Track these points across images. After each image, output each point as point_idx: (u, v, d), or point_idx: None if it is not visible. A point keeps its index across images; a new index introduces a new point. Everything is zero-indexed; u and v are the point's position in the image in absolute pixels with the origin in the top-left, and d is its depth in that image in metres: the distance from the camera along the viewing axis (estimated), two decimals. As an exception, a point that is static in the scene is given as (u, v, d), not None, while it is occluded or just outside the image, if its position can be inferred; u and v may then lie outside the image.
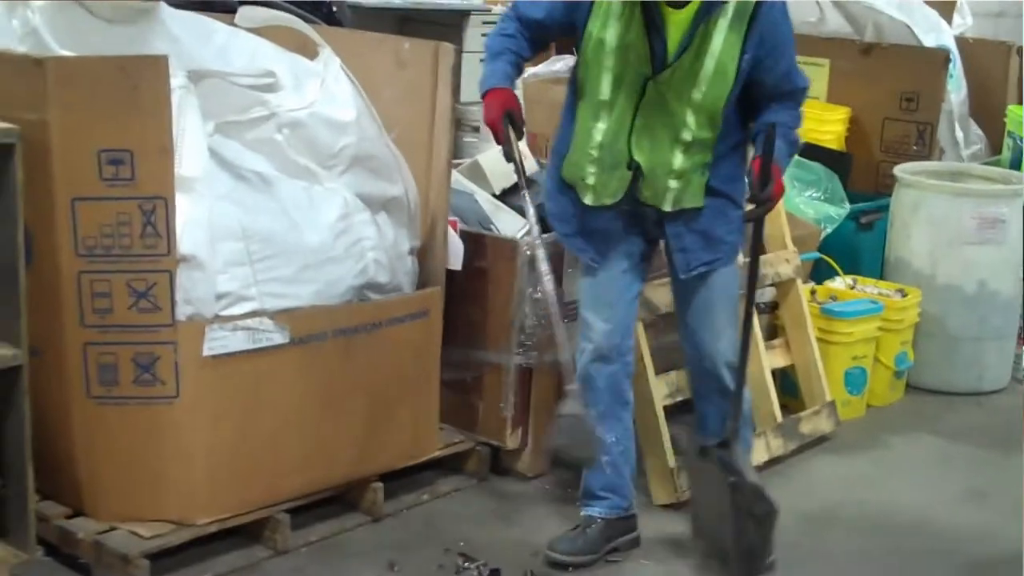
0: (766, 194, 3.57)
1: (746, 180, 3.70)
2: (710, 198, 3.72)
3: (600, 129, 3.69)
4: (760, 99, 3.69)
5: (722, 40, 3.54)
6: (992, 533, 4.19)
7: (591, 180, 3.74)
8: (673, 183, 3.67)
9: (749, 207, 3.73)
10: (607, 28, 3.59)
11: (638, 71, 3.60)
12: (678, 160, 3.65)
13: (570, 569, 3.85)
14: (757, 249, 3.76)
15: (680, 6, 3.53)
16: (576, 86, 3.75)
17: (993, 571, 3.90)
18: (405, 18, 9.65)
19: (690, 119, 3.61)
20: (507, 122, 3.69)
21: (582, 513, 3.98)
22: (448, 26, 9.53)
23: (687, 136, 3.63)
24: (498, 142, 3.75)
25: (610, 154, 3.69)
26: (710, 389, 3.95)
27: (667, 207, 3.71)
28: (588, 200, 3.77)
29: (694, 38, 3.54)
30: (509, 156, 3.73)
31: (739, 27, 3.53)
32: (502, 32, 3.80)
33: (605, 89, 3.65)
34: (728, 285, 3.86)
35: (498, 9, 9.94)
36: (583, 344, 3.87)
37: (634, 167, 3.68)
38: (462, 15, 9.82)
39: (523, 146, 4.10)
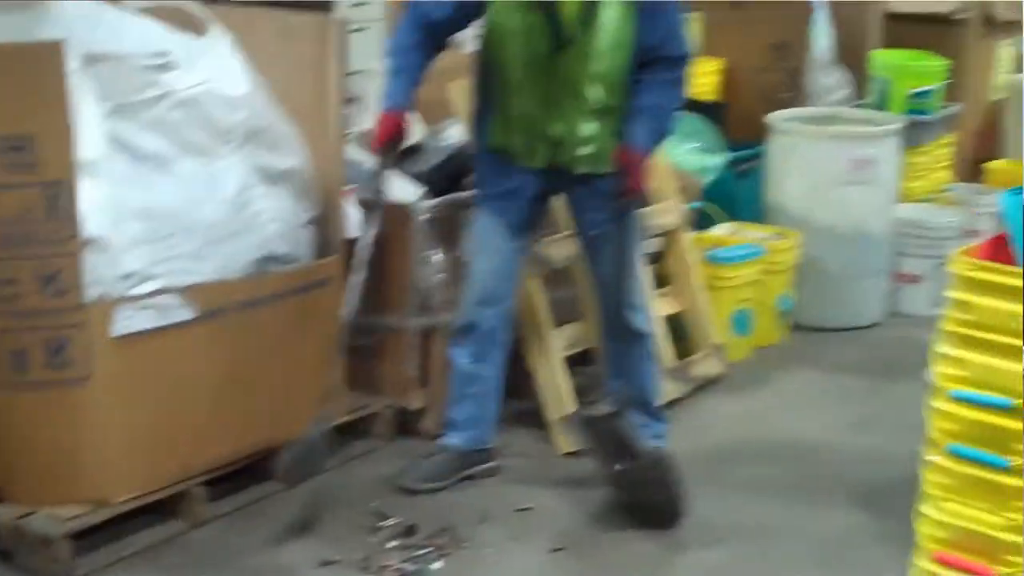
0: (627, 184, 3.86)
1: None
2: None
3: (516, 104, 3.90)
4: (640, 63, 3.83)
5: (615, 14, 3.74)
6: (881, 456, 4.40)
7: (519, 148, 3.97)
8: (585, 149, 3.91)
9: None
10: (508, 14, 3.78)
11: (541, 50, 3.79)
12: (589, 128, 3.88)
13: (416, 495, 4.07)
14: (629, 238, 4.00)
15: None
16: (486, 65, 3.93)
17: (887, 491, 4.08)
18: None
19: (593, 91, 3.83)
20: (390, 150, 3.95)
21: (439, 442, 4.19)
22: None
23: (595, 106, 3.84)
24: (376, 162, 4.01)
25: (530, 126, 3.91)
26: (619, 334, 4.14)
27: (581, 169, 3.95)
28: (522, 163, 4.00)
29: (588, 15, 3.73)
30: (375, 177, 4.00)
31: (630, 1, 3.74)
32: (405, 45, 3.90)
33: (515, 69, 3.85)
34: (631, 234, 4.04)
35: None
36: (469, 291, 4.10)
37: (551, 137, 3.91)
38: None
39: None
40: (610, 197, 3.91)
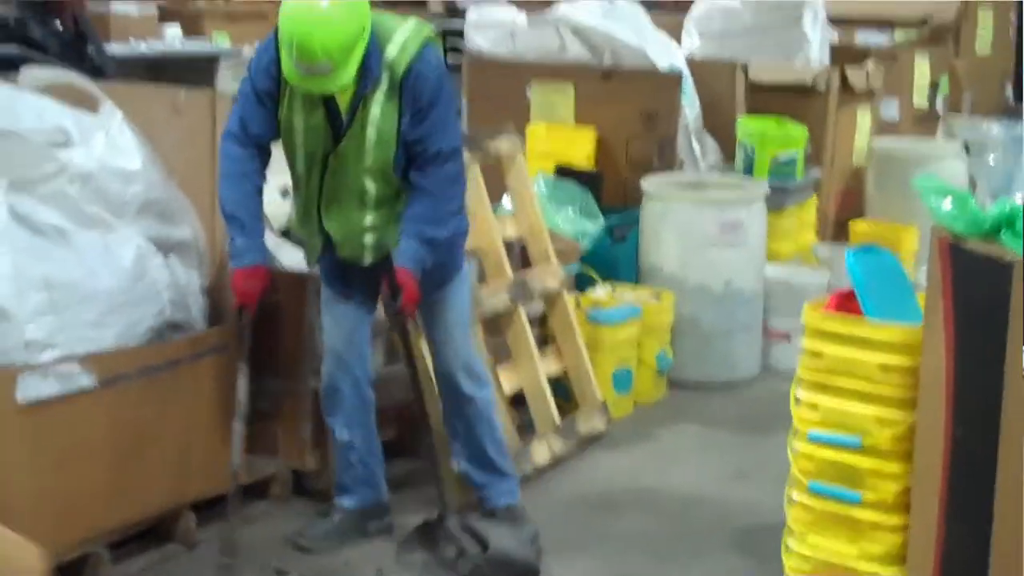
0: (397, 306, 3.96)
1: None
2: None
3: (299, 198, 4.09)
4: (412, 158, 3.93)
5: (379, 110, 3.86)
6: (757, 506, 4.63)
7: (306, 240, 4.17)
8: (369, 238, 4.02)
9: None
10: (293, 114, 3.91)
11: (322, 147, 3.93)
12: (369, 218, 4.00)
13: (313, 553, 4.24)
14: (410, 350, 4.15)
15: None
16: (288, 159, 4.08)
17: (760, 538, 4.31)
18: (154, 66, 9.78)
19: (368, 183, 3.95)
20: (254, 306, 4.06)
21: (335, 503, 4.36)
22: (199, 71, 9.70)
23: (369, 198, 3.97)
24: (242, 315, 4.09)
25: (307, 222, 4.09)
26: (451, 397, 4.34)
27: (367, 260, 4.07)
28: (306, 258, 4.24)
29: (357, 111, 3.86)
30: (242, 330, 4.10)
31: (393, 95, 3.86)
32: (242, 172, 3.99)
33: (300, 165, 4.01)
34: (454, 300, 4.21)
35: (248, 51, 10.19)
36: (326, 358, 4.26)
37: (325, 233, 4.05)
38: (211, 60, 9.99)
39: None
40: (385, 305, 4.05)
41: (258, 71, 3.95)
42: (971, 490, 2.70)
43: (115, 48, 8.91)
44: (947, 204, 2.76)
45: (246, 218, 3.98)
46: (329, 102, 3.88)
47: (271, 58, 3.89)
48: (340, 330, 4.22)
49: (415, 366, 4.19)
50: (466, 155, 4.97)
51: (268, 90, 3.92)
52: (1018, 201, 2.73)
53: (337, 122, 3.90)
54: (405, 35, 3.89)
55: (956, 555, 2.76)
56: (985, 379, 2.65)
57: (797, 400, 3.21)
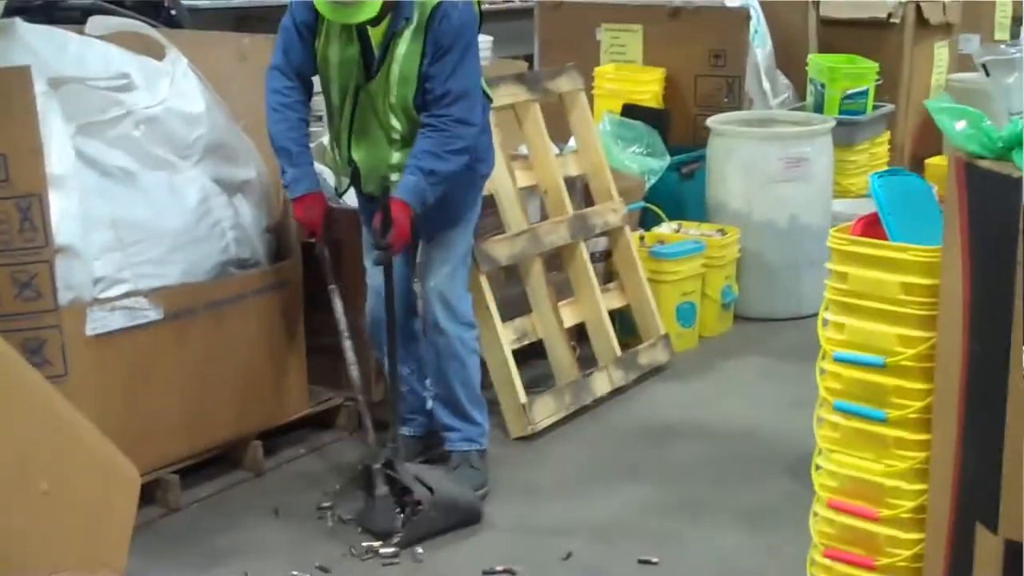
0: (385, 241, 3.99)
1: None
2: None
3: (332, 130, 4.22)
4: (427, 100, 4.01)
5: (405, 49, 3.97)
6: (813, 433, 4.70)
7: (335, 170, 4.33)
8: (394, 176, 4.07)
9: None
10: (329, 48, 4.05)
11: (354, 81, 4.05)
12: (395, 156, 4.10)
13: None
14: (390, 288, 4.14)
15: (376, 22, 3.97)
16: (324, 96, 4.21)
17: (813, 464, 4.40)
18: (242, 16, 9.94)
19: (394, 120, 4.06)
20: (324, 230, 4.21)
21: (396, 433, 4.40)
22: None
23: (395, 135, 4.08)
24: (315, 243, 4.26)
25: (338, 152, 4.22)
26: (428, 330, 4.35)
27: (376, 192, 4.13)
28: (337, 185, 4.38)
29: (387, 49, 3.98)
30: (320, 255, 4.26)
31: (419, 36, 3.96)
32: (287, 104, 4.13)
33: (334, 97, 4.14)
34: (449, 239, 4.26)
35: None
36: (369, 295, 4.38)
37: (353, 165, 4.17)
38: (298, 11, 10.09)
39: None
40: (374, 236, 4.06)
41: (298, 4, 4.08)
42: (986, 403, 2.76)
43: (202, 1, 9.07)
44: (961, 124, 2.80)
45: (294, 148, 4.11)
46: (363, 38, 4.01)
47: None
48: (378, 268, 4.29)
49: (392, 309, 4.18)
50: (526, 94, 5.08)
51: (307, 22, 4.06)
52: (1033, 120, 2.76)
53: (369, 57, 4.02)
54: None
55: (973, 468, 2.82)
56: (998, 294, 2.69)
57: (825, 322, 3.27)
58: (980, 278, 2.79)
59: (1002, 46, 2.83)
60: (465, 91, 4.03)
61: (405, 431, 4.49)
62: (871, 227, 3.22)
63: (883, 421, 3.10)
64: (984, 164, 2.76)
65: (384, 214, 3.99)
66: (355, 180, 4.25)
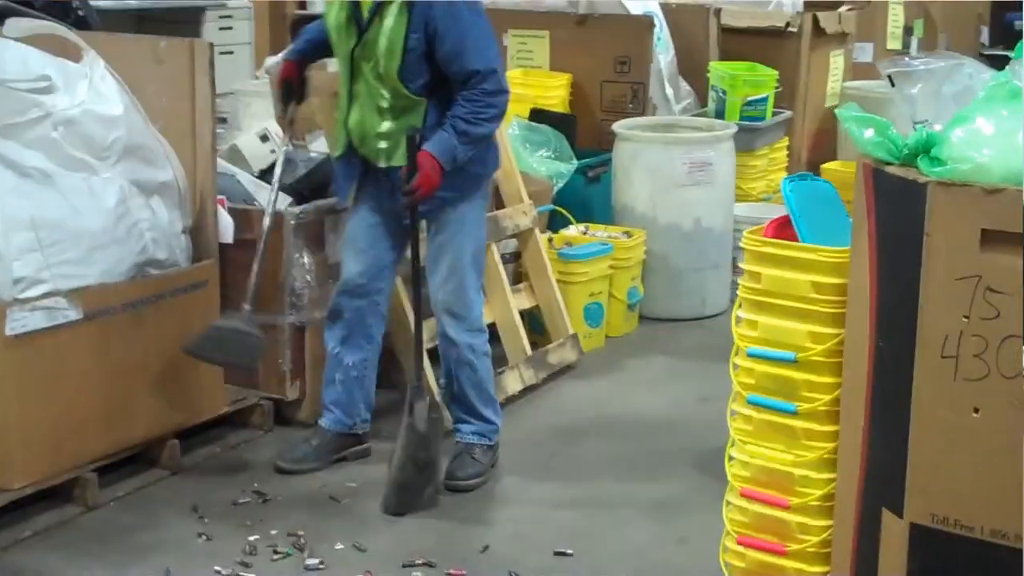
0: (410, 186, 4.10)
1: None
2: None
3: (340, 95, 4.36)
4: (451, 82, 4.17)
5: (392, 21, 4.11)
6: (718, 426, 4.75)
7: (335, 132, 4.44)
8: (382, 143, 4.24)
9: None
10: (330, 14, 4.27)
11: (347, 45, 4.23)
12: (385, 124, 4.23)
13: (292, 475, 4.46)
14: (415, 232, 4.29)
15: None
16: None
17: (720, 456, 4.50)
18: (142, 17, 9.90)
19: (382, 89, 4.19)
20: (285, 87, 4.52)
21: (317, 424, 4.59)
22: (185, 23, 9.83)
23: (384, 103, 4.20)
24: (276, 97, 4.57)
25: (340, 114, 4.35)
26: (440, 338, 4.51)
27: (381, 163, 4.29)
28: (331, 149, 4.55)
29: (374, 18, 4.13)
30: (279, 104, 4.58)
31: (404, 11, 4.09)
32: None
33: (339, 62, 4.33)
34: (460, 235, 4.36)
35: (233, 3, 10.33)
36: (338, 282, 4.51)
37: (349, 127, 4.30)
38: (198, 11, 10.11)
39: (274, 125, 4.78)
40: (398, 188, 4.20)
41: None
42: (892, 397, 2.90)
43: (102, 1, 9.03)
44: (869, 132, 2.94)
45: (303, 39, 4.56)
46: (355, 7, 4.17)
47: None
48: (356, 254, 4.43)
49: (417, 258, 4.33)
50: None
51: None
52: (934, 129, 2.91)
53: (361, 26, 4.18)
54: None
55: (879, 457, 2.96)
56: (903, 293, 2.84)
57: (738, 319, 3.41)
58: (887, 278, 2.94)
59: (906, 59, 2.97)
60: (489, 66, 4.14)
61: (324, 423, 4.57)
62: (782, 229, 3.36)
63: (794, 413, 3.24)
64: (891, 170, 2.91)
65: (411, 163, 4.11)
66: (349, 145, 4.34)
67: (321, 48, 4.47)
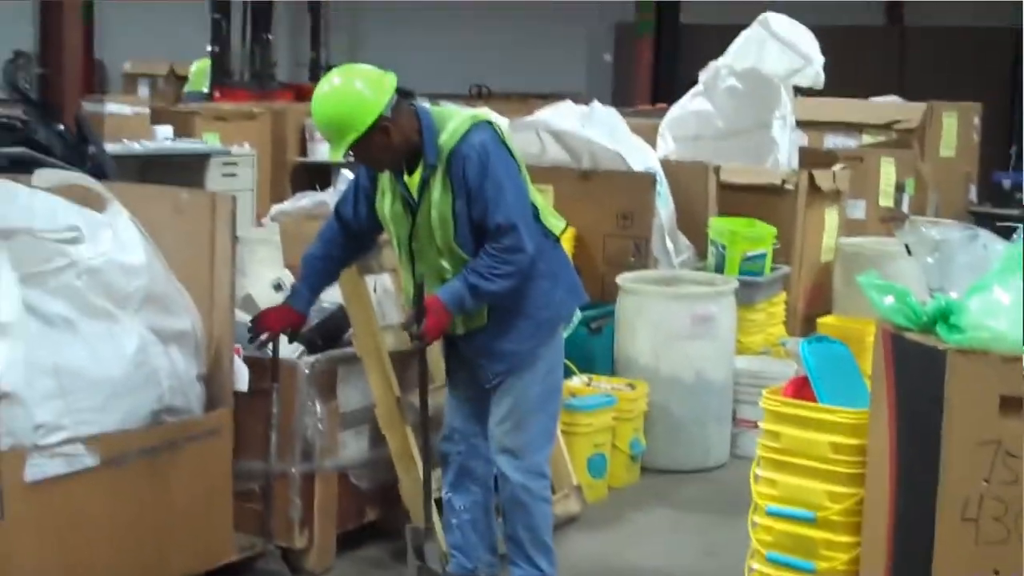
0: (417, 331, 4.24)
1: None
2: (494, 316, 4.36)
3: (404, 277, 4.53)
4: (483, 243, 4.26)
5: (438, 194, 4.25)
6: (726, 580, 4.88)
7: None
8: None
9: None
10: (384, 203, 4.40)
11: (405, 230, 4.36)
12: None
13: None
14: (424, 376, 4.51)
15: (410, 172, 4.29)
16: None
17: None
18: (147, 163, 10.09)
19: (443, 261, 4.32)
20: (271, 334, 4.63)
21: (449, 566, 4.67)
22: (189, 169, 10.02)
23: (446, 274, 4.32)
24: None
25: (410, 300, 4.44)
26: (498, 475, 4.54)
27: (459, 331, 4.39)
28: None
29: (422, 196, 4.27)
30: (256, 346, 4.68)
31: (446, 180, 4.23)
32: (315, 253, 4.60)
33: (396, 248, 4.47)
34: (526, 388, 4.43)
35: (237, 150, 10.53)
36: (444, 427, 4.67)
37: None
38: (201, 158, 10.30)
39: (288, 274, 4.89)
40: (407, 326, 4.33)
41: (362, 169, 4.49)
42: (912, 558, 2.96)
43: (109, 147, 9.20)
44: (889, 299, 3.04)
45: (305, 271, 4.61)
46: (405, 191, 4.30)
47: None
48: (452, 404, 4.62)
49: (425, 405, 4.48)
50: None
51: (364, 184, 4.47)
52: (952, 297, 3.01)
53: (412, 208, 4.31)
54: (456, 123, 4.27)
55: (900, 619, 3.01)
56: (924, 456, 2.91)
57: (757, 477, 3.47)
58: (906, 440, 3.01)
59: (922, 227, 3.08)
60: (510, 222, 4.21)
61: (453, 566, 4.64)
62: (801, 389, 3.44)
63: (812, 572, 3.29)
64: (910, 336, 3.00)
65: (418, 306, 4.24)
66: None
67: (327, 274, 4.62)
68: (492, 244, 4.23)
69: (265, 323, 4.60)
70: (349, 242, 4.58)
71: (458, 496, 4.61)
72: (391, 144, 4.23)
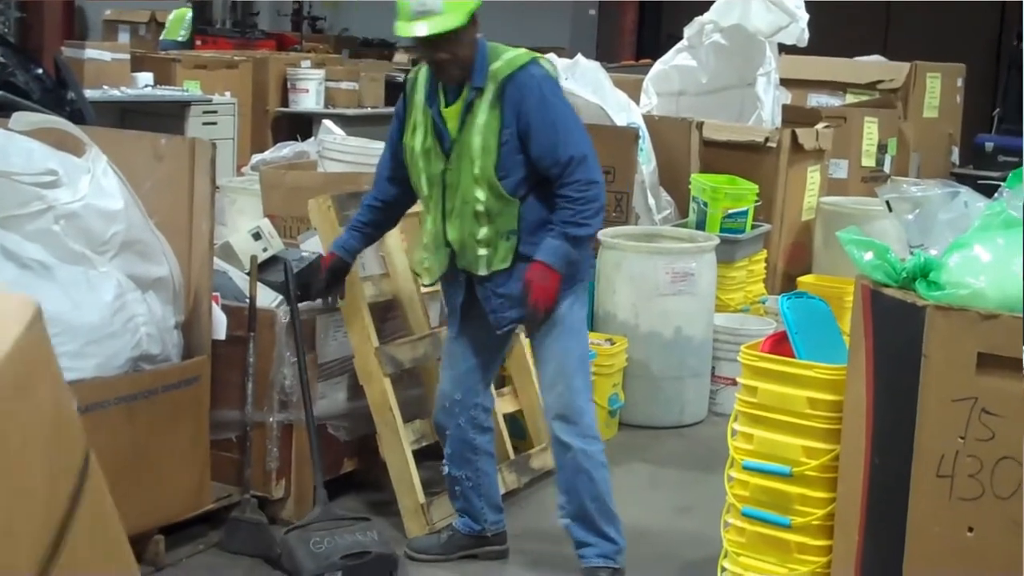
0: (528, 302, 4.13)
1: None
2: (520, 262, 4.20)
3: (427, 219, 4.37)
4: (549, 179, 4.12)
5: (483, 119, 4.10)
6: (700, 537, 4.86)
7: (426, 263, 4.40)
8: (482, 251, 4.22)
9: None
10: (414, 139, 4.27)
11: (438, 166, 4.23)
12: (482, 231, 4.19)
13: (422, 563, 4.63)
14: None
15: (451, 102, 4.18)
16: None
17: (702, 566, 4.54)
18: (126, 110, 10.03)
19: (478, 192, 4.15)
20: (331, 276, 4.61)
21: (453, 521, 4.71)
22: (169, 116, 9.98)
23: (480, 208, 4.16)
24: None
25: (434, 238, 4.32)
26: (553, 445, 4.43)
27: (482, 271, 4.25)
28: (425, 280, 4.50)
29: (464, 122, 4.14)
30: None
31: (496, 105, 4.09)
32: (364, 203, 4.58)
33: (424, 187, 4.31)
34: (567, 349, 4.31)
35: (218, 99, 10.48)
36: (437, 397, 4.61)
37: (449, 245, 4.27)
38: (182, 106, 10.26)
39: (267, 223, 4.82)
40: (496, 295, 4.24)
41: (395, 114, 4.42)
42: (886, 513, 2.97)
43: (89, 93, 9.14)
44: (869, 255, 3.04)
45: (355, 219, 4.57)
46: (438, 122, 4.19)
47: (402, 96, 4.38)
48: (452, 371, 4.50)
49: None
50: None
51: (397, 126, 4.38)
52: (932, 254, 3.01)
53: (447, 141, 4.19)
54: (513, 54, 4.18)
55: (873, 573, 3.02)
56: (900, 412, 2.92)
57: (734, 432, 3.47)
58: (884, 397, 3.01)
59: (903, 184, 3.07)
60: (582, 153, 4.10)
61: (457, 523, 4.69)
62: (779, 344, 3.44)
63: (787, 527, 3.30)
64: (889, 292, 3.00)
65: (527, 280, 4.11)
66: (451, 261, 4.32)
67: (376, 225, 4.60)
68: (567, 181, 4.07)
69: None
70: (398, 201, 4.54)
71: (456, 468, 4.58)
72: (465, 52, 4.09)
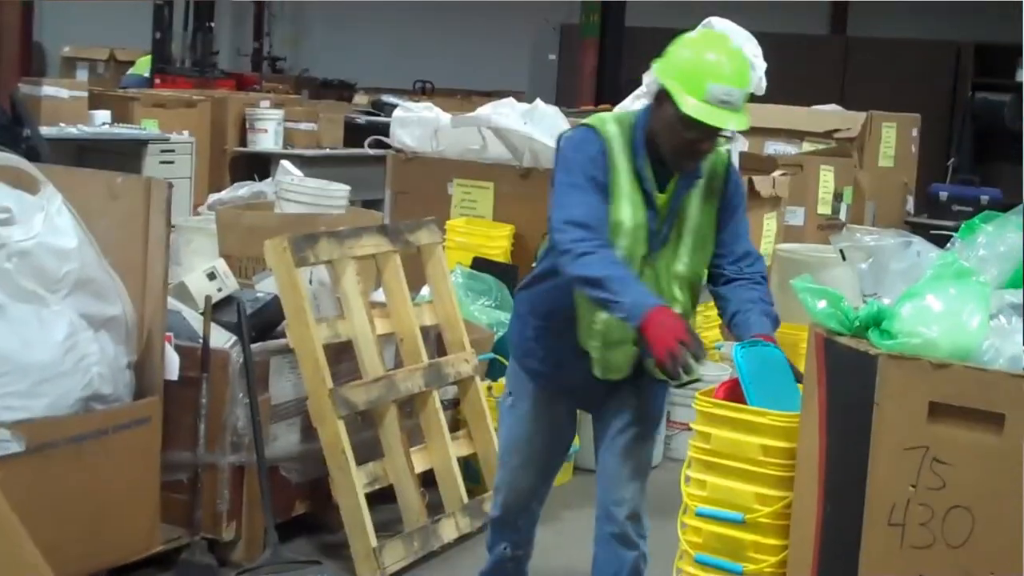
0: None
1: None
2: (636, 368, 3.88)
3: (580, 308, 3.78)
4: (722, 266, 3.83)
5: (698, 212, 3.75)
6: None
7: (595, 354, 3.84)
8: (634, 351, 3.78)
9: None
10: (621, 210, 3.68)
11: (640, 250, 3.72)
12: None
13: None
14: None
15: (662, 187, 3.73)
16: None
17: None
18: (83, 148, 9.98)
19: (677, 292, 3.79)
20: (684, 349, 3.47)
21: None
22: (126, 155, 9.93)
23: (677, 308, 3.72)
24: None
25: (616, 331, 3.74)
26: (606, 532, 4.21)
27: (627, 374, 3.88)
28: (597, 372, 3.88)
29: (675, 215, 3.74)
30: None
31: (712, 197, 3.78)
32: (593, 249, 3.56)
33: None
34: (648, 448, 4.17)
35: (175, 138, 10.44)
36: (506, 490, 4.32)
37: (632, 341, 3.73)
38: (139, 144, 10.23)
39: (222, 264, 4.79)
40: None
41: (588, 161, 3.68)
42: (839, 561, 2.97)
43: (45, 130, 9.10)
44: (822, 303, 3.06)
45: (615, 273, 3.56)
46: (648, 201, 3.70)
47: (599, 149, 3.68)
48: (532, 469, 4.25)
49: None
50: (387, 245, 5.24)
51: (602, 181, 3.67)
52: (885, 303, 3.02)
53: (653, 224, 3.73)
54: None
55: (825, 623, 3.03)
56: (852, 460, 2.93)
57: (687, 479, 3.47)
58: (836, 444, 3.02)
59: (857, 233, 3.12)
60: (757, 250, 3.96)
61: None
62: (733, 391, 3.44)
63: (740, 574, 3.29)
64: (842, 340, 3.01)
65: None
66: (572, 367, 3.91)
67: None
68: (750, 270, 3.84)
69: (679, 333, 3.49)
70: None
71: (520, 550, 4.46)
72: None
